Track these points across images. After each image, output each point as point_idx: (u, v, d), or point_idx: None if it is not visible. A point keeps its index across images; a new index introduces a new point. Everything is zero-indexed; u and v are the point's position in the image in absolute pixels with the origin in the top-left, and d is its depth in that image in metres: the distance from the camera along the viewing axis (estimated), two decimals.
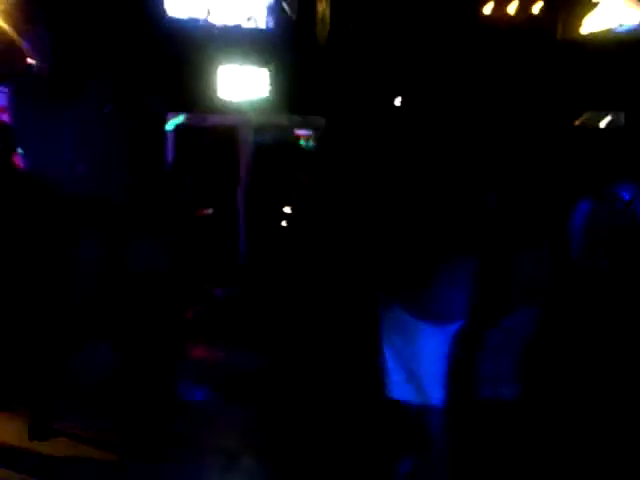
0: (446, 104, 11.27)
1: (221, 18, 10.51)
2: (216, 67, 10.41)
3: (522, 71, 11.67)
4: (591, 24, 12.12)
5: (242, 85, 10.51)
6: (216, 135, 10.18)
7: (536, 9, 12.05)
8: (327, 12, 10.67)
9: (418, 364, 4.55)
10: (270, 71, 10.40)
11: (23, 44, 9.47)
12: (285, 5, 10.14)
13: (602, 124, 11.71)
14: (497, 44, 11.68)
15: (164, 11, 10.40)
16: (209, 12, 10.47)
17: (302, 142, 10.66)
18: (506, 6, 11.98)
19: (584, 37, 12.02)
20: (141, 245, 5.93)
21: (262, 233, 9.64)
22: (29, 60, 9.60)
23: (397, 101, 11.46)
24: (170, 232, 5.90)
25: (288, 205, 8.95)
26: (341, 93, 10.68)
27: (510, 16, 12.03)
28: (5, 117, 9.18)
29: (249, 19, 10.60)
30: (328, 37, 10.61)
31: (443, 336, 4.49)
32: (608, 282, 7.30)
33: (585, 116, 11.83)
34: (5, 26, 9.13)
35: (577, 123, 11.82)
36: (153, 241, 5.78)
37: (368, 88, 11.00)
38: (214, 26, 10.45)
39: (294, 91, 10.38)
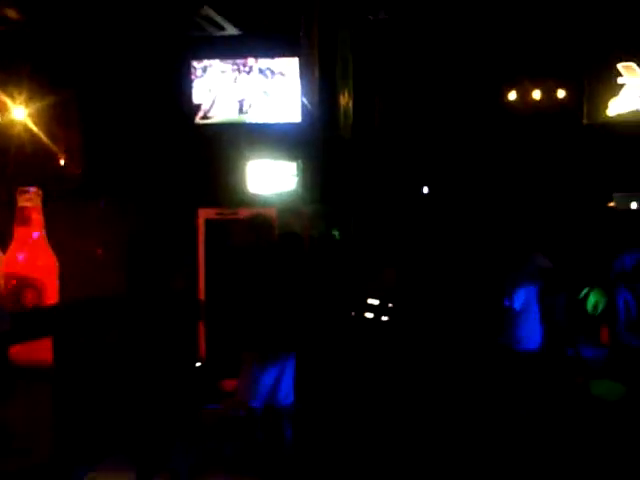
0: (473, 192, 11.37)
1: (251, 115, 10.81)
2: (246, 162, 10.64)
3: (549, 156, 11.75)
4: (617, 106, 12.19)
5: (271, 179, 10.70)
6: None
7: (561, 94, 12.16)
8: (350, 105, 10.88)
9: None
10: (298, 164, 10.59)
11: (55, 147, 9.77)
12: (305, 100, 10.35)
13: (633, 205, 11.68)
14: (523, 130, 11.79)
15: (195, 113, 10.77)
16: (242, 112, 10.79)
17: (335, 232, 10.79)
18: (530, 92, 12.13)
19: (610, 119, 12.07)
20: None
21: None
22: (61, 162, 9.90)
23: (424, 190, 11.59)
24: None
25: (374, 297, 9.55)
26: (366, 182, 10.85)
27: (535, 102, 12.16)
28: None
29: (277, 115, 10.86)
30: (352, 129, 10.80)
31: None
32: None
33: (615, 198, 11.81)
34: (36, 128, 9.43)
35: (610, 205, 11.81)
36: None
37: (393, 178, 11.16)
38: (244, 123, 10.74)
39: (321, 183, 10.54)
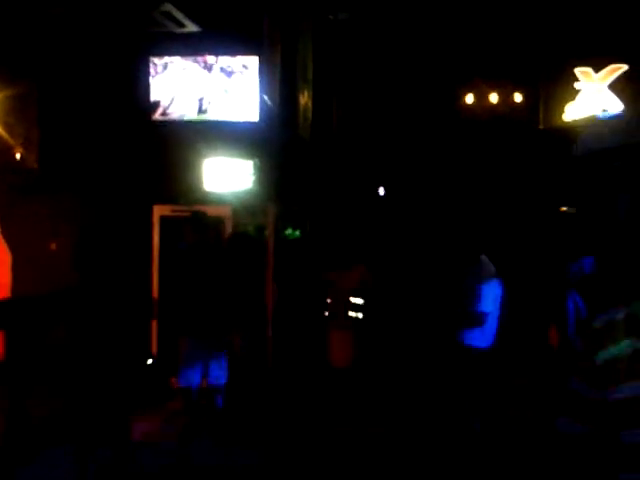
0: (429, 194, 11.48)
1: (211, 113, 10.82)
2: (203, 160, 10.64)
3: (505, 159, 11.86)
4: (573, 111, 12.32)
5: (227, 177, 10.71)
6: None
7: (518, 98, 12.28)
8: (309, 105, 10.91)
9: None
10: (254, 162, 10.61)
11: (12, 139, 9.76)
12: (266, 98, 10.38)
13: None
14: (479, 133, 11.89)
15: (153, 109, 10.78)
16: (201, 110, 10.81)
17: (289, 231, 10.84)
18: (488, 95, 12.24)
19: (566, 124, 12.18)
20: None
21: None
22: (17, 156, 9.88)
23: (380, 191, 11.67)
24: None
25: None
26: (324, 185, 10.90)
27: (491, 106, 12.27)
28: None
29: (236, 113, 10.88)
30: (311, 129, 10.84)
31: None
32: None
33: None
34: None
35: (563, 209, 11.94)
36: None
37: (350, 179, 11.22)
38: (203, 121, 10.76)
39: (278, 182, 10.57)
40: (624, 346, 1.60)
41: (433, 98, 11.94)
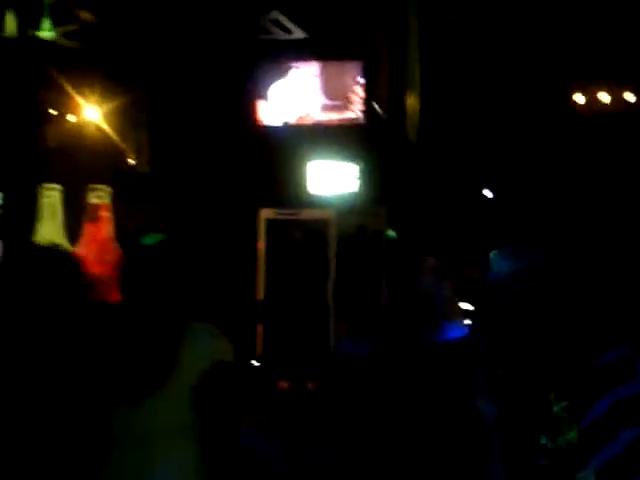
0: (538, 197, 11.26)
1: (316, 116, 10.93)
2: (306, 163, 10.75)
3: (616, 160, 11.56)
4: None
5: (332, 180, 10.79)
6: (306, 229, 10.49)
7: (629, 97, 11.95)
8: (416, 107, 10.86)
9: None
10: (359, 166, 10.65)
11: (125, 146, 10.08)
12: (374, 104, 10.43)
13: None
14: (590, 133, 11.61)
15: (258, 118, 10.98)
16: (307, 115, 10.95)
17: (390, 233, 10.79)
18: (598, 95, 11.94)
19: None
20: None
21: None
22: (130, 161, 10.19)
23: (486, 193, 11.52)
24: None
25: None
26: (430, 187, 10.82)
27: (602, 104, 11.98)
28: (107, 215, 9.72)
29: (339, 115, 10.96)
30: (418, 132, 10.81)
31: None
32: None
33: None
34: (108, 128, 9.74)
35: None
36: None
37: (457, 182, 11.11)
38: (308, 124, 10.89)
39: (383, 185, 10.59)
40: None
41: (542, 97, 11.71)
